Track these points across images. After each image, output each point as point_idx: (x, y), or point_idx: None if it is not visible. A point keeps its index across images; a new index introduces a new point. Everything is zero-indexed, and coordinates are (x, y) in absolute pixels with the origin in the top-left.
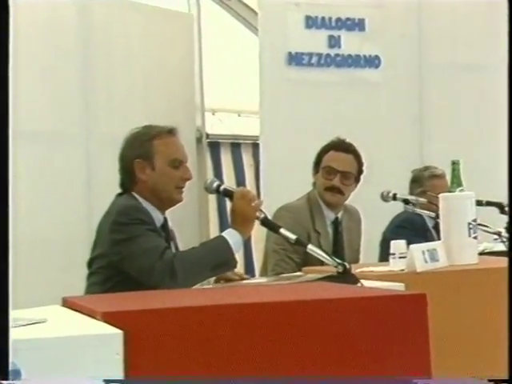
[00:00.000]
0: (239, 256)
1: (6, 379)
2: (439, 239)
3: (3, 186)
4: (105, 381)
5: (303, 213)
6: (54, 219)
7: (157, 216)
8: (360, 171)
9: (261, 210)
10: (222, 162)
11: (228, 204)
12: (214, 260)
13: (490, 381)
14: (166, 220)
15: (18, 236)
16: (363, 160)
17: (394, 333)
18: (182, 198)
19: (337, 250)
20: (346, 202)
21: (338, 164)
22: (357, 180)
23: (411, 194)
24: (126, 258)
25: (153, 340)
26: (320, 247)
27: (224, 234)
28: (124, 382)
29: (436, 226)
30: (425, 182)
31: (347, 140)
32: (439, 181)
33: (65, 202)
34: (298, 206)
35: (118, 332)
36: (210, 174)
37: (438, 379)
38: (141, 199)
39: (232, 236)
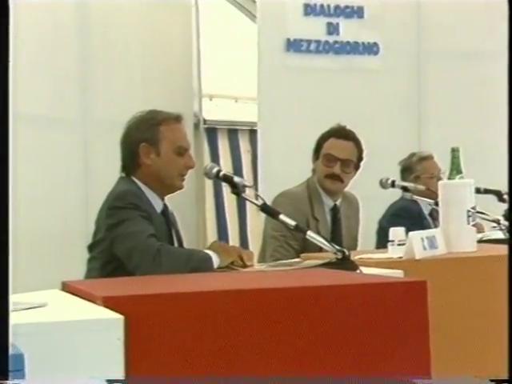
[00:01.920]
0: (236, 243)
1: (7, 368)
2: (435, 226)
3: (3, 174)
4: (107, 381)
5: (302, 199)
6: (51, 204)
7: (156, 202)
8: (360, 158)
9: (260, 197)
10: (219, 147)
11: (225, 190)
12: (195, 265)
13: (491, 381)
14: (166, 206)
15: (15, 221)
16: (363, 147)
17: (394, 319)
18: (183, 186)
19: (335, 237)
20: (345, 189)
21: (338, 152)
22: (356, 167)
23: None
24: (114, 242)
25: (153, 325)
26: (318, 234)
27: (211, 253)
28: (125, 382)
29: (432, 213)
30: (415, 167)
31: (348, 127)
32: (428, 162)
33: (62, 187)
34: (297, 193)
35: (119, 317)
36: (206, 159)
37: (437, 378)
38: (141, 184)
39: (216, 257)
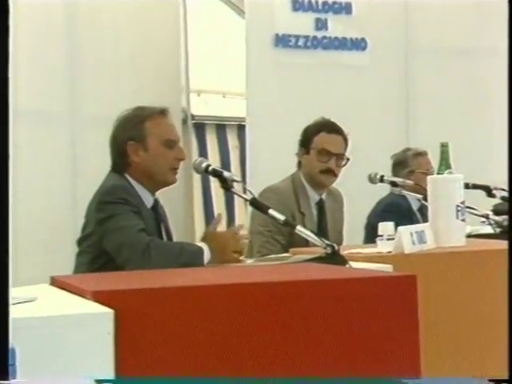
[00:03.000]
0: None
1: (6, 364)
2: (424, 222)
3: (3, 172)
4: (96, 381)
5: (288, 194)
6: (39, 199)
7: (147, 198)
8: (346, 151)
9: (249, 192)
10: (207, 143)
11: (213, 186)
12: (186, 259)
13: (490, 381)
14: (156, 201)
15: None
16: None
17: (383, 313)
18: (175, 180)
19: (321, 231)
20: None
21: (333, 147)
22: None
23: (396, 176)
24: (104, 236)
25: (143, 319)
26: (305, 228)
27: (203, 246)
28: (116, 381)
29: (421, 209)
30: (410, 162)
31: (336, 122)
32: (423, 158)
33: (50, 182)
34: (282, 188)
35: (109, 311)
36: (195, 155)
37: (437, 378)
38: (132, 181)
39: (205, 250)
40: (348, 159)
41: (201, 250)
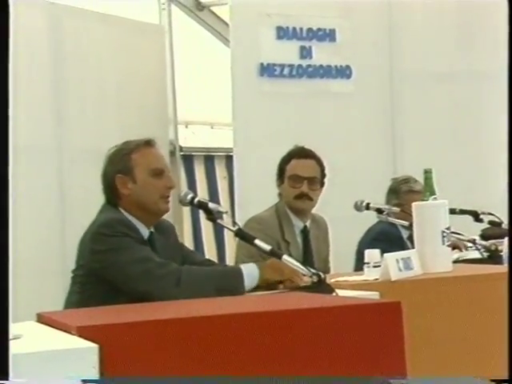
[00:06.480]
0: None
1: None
2: None
3: (2, 208)
4: (83, 381)
5: (272, 223)
6: (27, 233)
7: (143, 231)
8: (323, 175)
9: (236, 223)
10: (196, 174)
11: (202, 216)
12: (221, 282)
13: (491, 381)
14: (152, 234)
15: None
16: (324, 164)
17: (369, 341)
18: (168, 208)
19: (307, 259)
20: (313, 211)
21: (303, 171)
22: (321, 184)
23: (387, 203)
24: (109, 268)
25: (128, 353)
26: (291, 257)
27: (243, 265)
28: (101, 381)
29: (410, 237)
30: (402, 196)
31: (306, 146)
32: (416, 196)
33: (38, 215)
34: (266, 217)
35: (93, 346)
36: (183, 186)
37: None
38: (126, 214)
39: (249, 268)
40: (323, 182)
41: (238, 269)
